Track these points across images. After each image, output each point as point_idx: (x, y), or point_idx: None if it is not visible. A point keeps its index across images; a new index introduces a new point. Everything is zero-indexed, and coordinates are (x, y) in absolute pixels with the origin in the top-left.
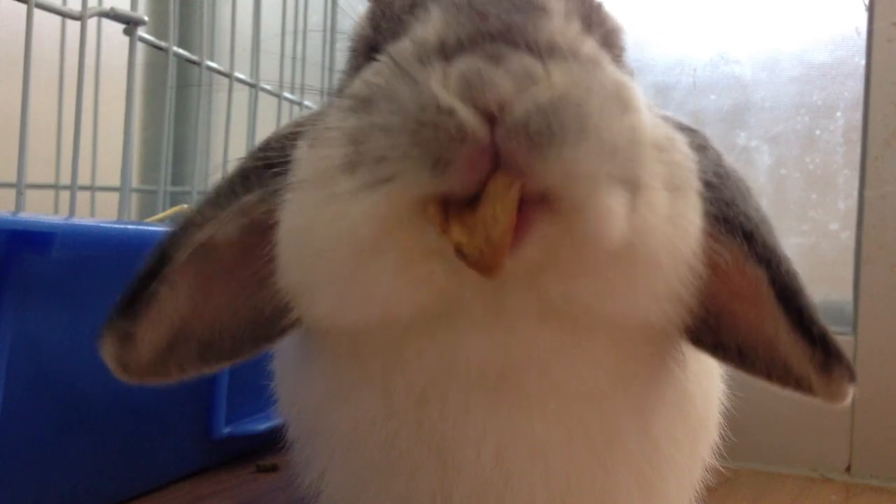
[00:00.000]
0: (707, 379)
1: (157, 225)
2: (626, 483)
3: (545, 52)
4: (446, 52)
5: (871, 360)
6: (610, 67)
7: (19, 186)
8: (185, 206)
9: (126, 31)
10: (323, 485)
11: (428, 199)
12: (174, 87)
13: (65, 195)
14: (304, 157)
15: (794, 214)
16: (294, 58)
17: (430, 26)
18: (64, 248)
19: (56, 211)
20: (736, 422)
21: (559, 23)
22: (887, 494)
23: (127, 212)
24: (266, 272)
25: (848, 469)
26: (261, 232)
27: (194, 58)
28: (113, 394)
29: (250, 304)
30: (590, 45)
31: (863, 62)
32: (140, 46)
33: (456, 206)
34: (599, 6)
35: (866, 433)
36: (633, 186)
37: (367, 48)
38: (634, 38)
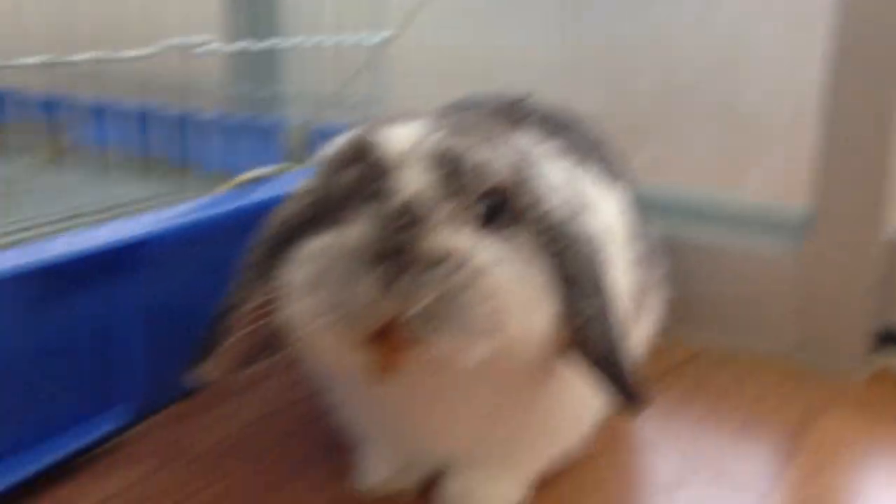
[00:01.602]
0: None
1: (241, 197)
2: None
3: (421, 268)
4: (365, 258)
5: (825, 247)
6: (475, 261)
7: None
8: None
9: None
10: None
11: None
12: None
13: None
14: (292, 268)
15: None
16: None
17: (357, 232)
18: (161, 248)
19: None
20: (676, 305)
21: (432, 241)
22: (832, 379)
23: None
24: None
25: (794, 353)
26: None
27: None
28: None
29: None
30: (459, 248)
31: None
32: None
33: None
34: (486, 182)
35: (815, 319)
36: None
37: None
38: None
